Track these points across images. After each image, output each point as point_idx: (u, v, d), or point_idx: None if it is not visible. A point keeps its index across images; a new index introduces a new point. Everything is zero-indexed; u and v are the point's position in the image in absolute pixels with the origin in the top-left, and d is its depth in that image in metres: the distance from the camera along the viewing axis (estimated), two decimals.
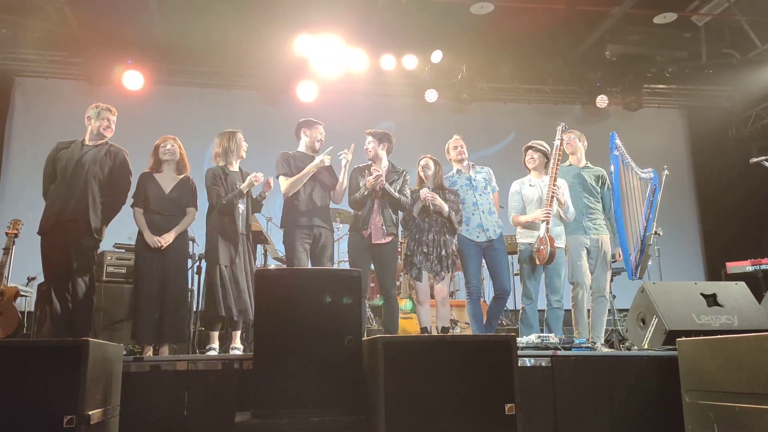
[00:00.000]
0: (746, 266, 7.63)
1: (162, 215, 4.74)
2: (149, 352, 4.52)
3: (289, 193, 5.08)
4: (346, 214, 6.66)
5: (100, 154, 4.70)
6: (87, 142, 4.74)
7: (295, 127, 5.39)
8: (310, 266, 5.01)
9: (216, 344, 4.72)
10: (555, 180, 5.10)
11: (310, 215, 5.04)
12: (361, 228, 5.05)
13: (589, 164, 5.69)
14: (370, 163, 5.25)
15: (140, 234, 4.70)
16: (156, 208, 4.73)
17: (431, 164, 5.31)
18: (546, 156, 5.40)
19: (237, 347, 4.68)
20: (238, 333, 4.78)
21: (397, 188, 5.12)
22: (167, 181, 4.85)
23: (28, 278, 6.64)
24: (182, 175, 4.93)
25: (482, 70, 9.57)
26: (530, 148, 5.46)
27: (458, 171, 5.48)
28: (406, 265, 5.14)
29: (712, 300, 4.50)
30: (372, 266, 5.19)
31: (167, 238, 4.65)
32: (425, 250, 5.03)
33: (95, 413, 2.86)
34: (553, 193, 5.07)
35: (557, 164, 5.15)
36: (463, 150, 5.48)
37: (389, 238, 5.07)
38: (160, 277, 4.61)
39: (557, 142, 5.23)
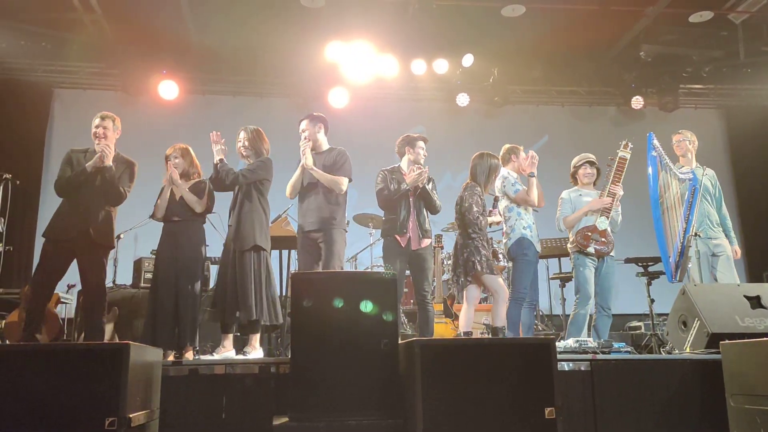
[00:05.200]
0: None
1: (173, 221, 4.75)
2: (170, 358, 4.44)
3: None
4: (380, 219, 6.64)
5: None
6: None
7: None
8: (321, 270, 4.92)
9: (227, 347, 4.59)
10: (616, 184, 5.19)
11: (310, 219, 4.91)
12: (399, 232, 4.96)
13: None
14: (398, 165, 5.22)
15: (160, 242, 4.77)
16: (166, 215, 4.77)
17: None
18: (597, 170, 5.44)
19: (246, 350, 4.54)
20: (255, 336, 4.61)
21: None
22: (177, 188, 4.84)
23: (68, 286, 6.74)
24: (193, 180, 4.91)
25: (514, 72, 9.49)
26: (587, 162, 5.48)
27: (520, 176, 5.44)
28: (466, 267, 4.89)
29: (756, 302, 4.37)
30: (407, 272, 5.15)
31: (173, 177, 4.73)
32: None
33: (136, 416, 2.89)
34: (614, 195, 5.16)
35: (617, 175, 5.19)
36: None
37: (426, 242, 5.04)
38: (174, 283, 4.61)
39: (624, 154, 5.24)
